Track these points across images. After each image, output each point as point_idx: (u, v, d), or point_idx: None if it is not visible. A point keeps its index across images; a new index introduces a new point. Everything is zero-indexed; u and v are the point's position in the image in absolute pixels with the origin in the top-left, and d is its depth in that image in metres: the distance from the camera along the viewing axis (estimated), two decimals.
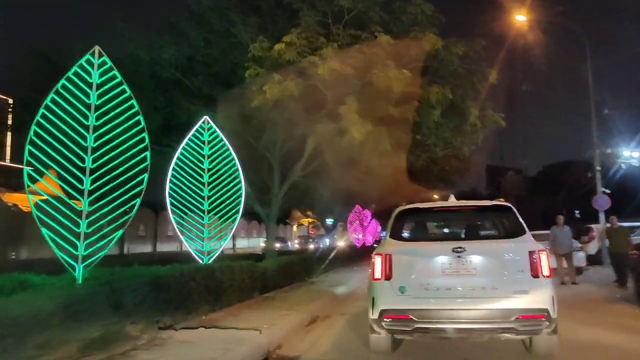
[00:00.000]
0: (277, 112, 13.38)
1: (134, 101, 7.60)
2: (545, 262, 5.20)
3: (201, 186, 11.80)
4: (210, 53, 14.74)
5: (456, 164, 27.74)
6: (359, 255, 26.12)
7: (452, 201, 6.62)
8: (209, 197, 11.80)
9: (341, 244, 36.72)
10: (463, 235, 6.82)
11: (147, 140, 7.69)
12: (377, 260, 5.49)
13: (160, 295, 7.04)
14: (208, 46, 14.69)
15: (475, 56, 13.33)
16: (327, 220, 49.69)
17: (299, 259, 15.67)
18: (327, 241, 42.50)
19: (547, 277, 5.17)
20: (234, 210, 12.15)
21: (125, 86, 7.53)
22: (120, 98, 7.46)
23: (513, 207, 5.90)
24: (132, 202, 7.53)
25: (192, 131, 12.03)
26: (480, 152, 33.46)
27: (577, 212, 49.86)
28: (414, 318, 5.08)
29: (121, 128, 7.41)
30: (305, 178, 17.60)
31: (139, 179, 7.48)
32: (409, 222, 6.82)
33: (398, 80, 11.00)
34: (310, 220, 60.32)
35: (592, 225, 23.04)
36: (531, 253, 5.20)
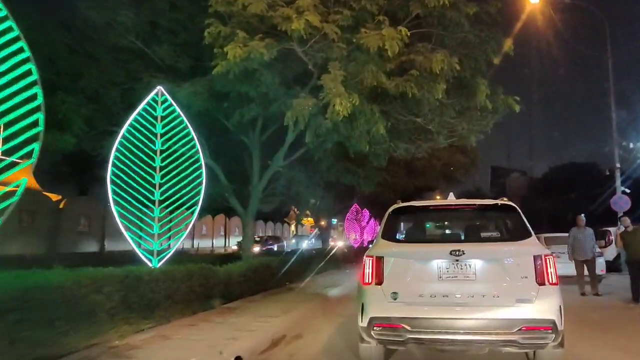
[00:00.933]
0: (250, 85, 11.10)
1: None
2: (552, 268, 4.79)
3: (152, 172, 9.70)
4: (176, 18, 12.48)
5: (461, 158, 25.41)
6: (354, 256, 24.11)
7: (451, 200, 6.46)
8: (161, 185, 9.67)
9: (333, 244, 34.75)
10: (462, 237, 6.15)
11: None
12: (368, 263, 5.07)
13: (35, 315, 4.76)
14: (173, 10, 12.43)
15: (489, 21, 10.99)
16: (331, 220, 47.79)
17: (276, 262, 13.41)
18: (308, 242, 40.43)
19: (554, 284, 4.77)
20: (192, 202, 9.98)
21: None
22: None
23: (517, 207, 5.44)
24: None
25: (142, 104, 9.84)
26: (485, 150, 30.93)
27: (583, 215, 48.44)
28: (407, 327, 4.68)
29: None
30: (289, 169, 15.30)
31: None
32: (403, 222, 6.41)
33: (393, 40, 8.70)
34: (311, 220, 58.41)
35: (610, 229, 20.70)
36: (536, 258, 4.82)
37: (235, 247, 40.29)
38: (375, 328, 4.80)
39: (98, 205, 32.65)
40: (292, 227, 72.06)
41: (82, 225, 32.38)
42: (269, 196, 16.19)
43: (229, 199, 14.85)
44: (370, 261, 5.06)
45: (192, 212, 9.96)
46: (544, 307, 4.64)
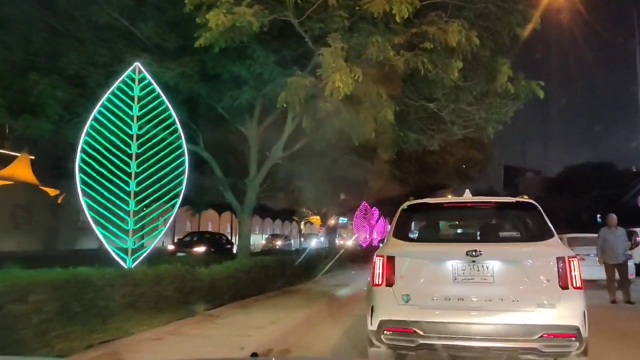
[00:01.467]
0: (243, 65, 9.87)
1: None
2: (577, 271, 4.47)
3: (127, 159, 8.51)
4: None
5: (475, 155, 23.96)
6: (364, 255, 23.02)
7: (467, 197, 5.94)
8: (137, 175, 8.49)
9: (343, 243, 33.60)
10: (479, 237, 5.79)
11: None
12: (378, 263, 4.80)
13: None
14: None
15: None
16: (340, 218, 46.62)
17: (274, 262, 12.14)
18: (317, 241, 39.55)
19: (578, 288, 4.44)
20: (172, 194, 8.79)
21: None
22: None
23: (538, 206, 5.14)
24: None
25: (117, 83, 8.67)
26: (498, 148, 29.38)
27: (598, 215, 45.98)
28: (418, 332, 4.40)
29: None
30: (290, 161, 14.02)
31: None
32: (416, 220, 6.03)
33: (401, 4, 7.35)
34: (318, 218, 57.15)
35: (636, 229, 19.22)
36: (559, 259, 4.51)
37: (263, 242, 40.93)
38: (385, 332, 4.55)
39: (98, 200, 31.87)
40: (302, 226, 70.87)
41: (82, 221, 30.62)
42: (267, 191, 14.90)
43: (224, 193, 13.62)
44: (381, 261, 4.79)
45: (173, 205, 8.79)
46: (567, 312, 4.37)
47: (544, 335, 4.25)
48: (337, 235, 44.38)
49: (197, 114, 13.84)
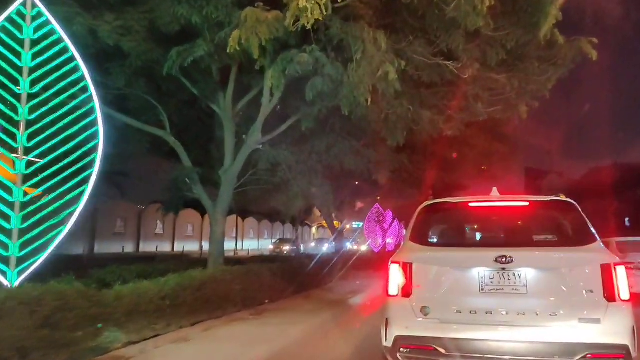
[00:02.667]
0: (193, 8, 7.19)
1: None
2: (624, 281, 3.93)
3: (12, 128, 5.99)
4: None
5: (500, 148, 20.85)
6: (374, 262, 20.05)
7: (495, 195, 5.03)
8: (27, 151, 6.00)
9: (357, 248, 31.13)
10: (509, 241, 4.87)
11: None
12: (394, 270, 4.30)
13: None
14: None
15: None
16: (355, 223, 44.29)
17: (251, 272, 9.37)
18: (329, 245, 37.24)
19: (627, 301, 3.91)
20: (80, 178, 6.24)
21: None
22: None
23: (577, 205, 4.53)
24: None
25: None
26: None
27: (627, 219, 43.23)
28: (439, 350, 3.95)
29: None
30: (274, 148, 11.28)
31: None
32: (436, 222, 5.21)
33: None
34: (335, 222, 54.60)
35: None
36: (605, 267, 3.97)
37: (271, 247, 37.51)
38: (401, 349, 4.09)
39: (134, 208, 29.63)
40: (314, 230, 68.30)
41: (119, 227, 29.35)
42: (249, 185, 12.15)
43: (193, 187, 10.91)
44: (397, 268, 4.29)
45: (81, 193, 6.15)
46: (614, 328, 3.82)
47: (588, 356, 3.77)
48: (351, 240, 41.72)
49: (161, 90, 11.24)
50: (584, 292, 3.99)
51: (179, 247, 34.56)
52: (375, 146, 12.78)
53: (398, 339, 4.12)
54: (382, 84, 7.36)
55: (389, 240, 35.56)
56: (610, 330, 3.85)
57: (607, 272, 3.97)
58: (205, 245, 38.16)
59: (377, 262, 20.84)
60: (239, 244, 42.49)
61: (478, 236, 6.90)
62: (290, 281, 11.04)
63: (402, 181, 20.22)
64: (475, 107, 10.77)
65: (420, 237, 4.63)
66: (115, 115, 10.47)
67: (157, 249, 28.92)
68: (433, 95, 10.17)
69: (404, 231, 45.40)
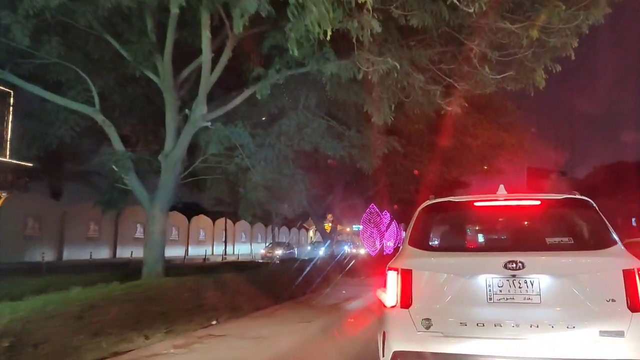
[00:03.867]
0: None
1: None
2: None
3: None
4: None
5: (506, 138, 18.39)
6: (368, 267, 18.19)
7: (502, 194, 4.49)
8: None
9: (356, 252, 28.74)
10: (520, 245, 4.25)
11: None
12: (391, 278, 3.85)
13: None
14: None
15: None
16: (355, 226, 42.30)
17: (186, 286, 6.97)
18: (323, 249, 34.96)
19: None
20: None
21: None
22: None
23: (594, 204, 4.16)
24: None
25: None
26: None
27: (634, 219, 41.49)
28: None
29: None
30: (228, 127, 8.92)
31: None
32: (438, 224, 4.74)
33: None
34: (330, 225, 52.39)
35: None
36: (627, 273, 3.56)
37: (263, 252, 35.20)
38: None
39: (52, 204, 26.93)
40: (311, 233, 66.14)
41: (30, 228, 25.02)
42: (198, 174, 9.77)
43: (124, 176, 8.55)
44: (394, 276, 3.85)
45: None
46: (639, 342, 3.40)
47: None
48: (349, 244, 38.34)
49: (91, 59, 8.94)
50: (605, 301, 3.62)
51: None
52: (359, 125, 10.41)
53: (397, 354, 3.80)
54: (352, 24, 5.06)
55: (389, 243, 33.62)
56: (635, 344, 3.49)
57: (630, 279, 3.61)
58: (191, 250, 36.19)
59: (371, 267, 18.67)
60: (230, 248, 40.05)
61: (484, 239, 6.08)
62: (253, 295, 8.67)
63: (396, 174, 17.85)
64: (481, 74, 8.41)
65: (420, 241, 4.22)
66: (29, 87, 8.16)
67: (132, 254, 26.40)
68: (425, 50, 7.83)
69: (404, 233, 43.41)
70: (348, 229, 44.48)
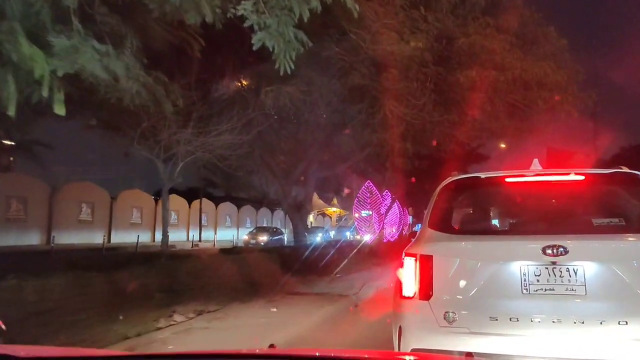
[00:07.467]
0: None
1: None
2: None
3: None
4: None
5: (550, 74, 12.52)
6: (361, 259, 15.25)
7: (537, 169, 4.09)
8: None
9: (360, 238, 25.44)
10: (561, 227, 3.69)
11: None
12: (408, 265, 3.53)
13: None
14: None
15: None
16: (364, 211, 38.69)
17: None
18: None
19: None
20: None
21: None
22: None
23: None
24: None
25: None
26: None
27: None
28: None
29: None
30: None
31: None
32: (464, 203, 4.45)
33: None
34: (336, 210, 48.05)
35: None
36: None
37: (246, 238, 33.09)
38: None
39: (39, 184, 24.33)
40: (311, 218, 61.60)
41: (14, 210, 22.97)
42: None
43: None
44: (412, 262, 3.49)
45: None
46: None
47: None
48: (351, 230, 35.24)
49: None
50: None
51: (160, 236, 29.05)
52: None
53: (415, 352, 3.37)
54: None
55: (393, 230, 28.83)
56: None
57: None
58: (160, 235, 31.81)
59: (363, 260, 15.18)
60: (211, 233, 34.95)
61: (518, 221, 4.89)
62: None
63: (385, 128, 12.35)
64: None
65: (442, 223, 3.77)
66: None
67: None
68: None
69: (410, 218, 37.84)
70: (355, 215, 40.50)
